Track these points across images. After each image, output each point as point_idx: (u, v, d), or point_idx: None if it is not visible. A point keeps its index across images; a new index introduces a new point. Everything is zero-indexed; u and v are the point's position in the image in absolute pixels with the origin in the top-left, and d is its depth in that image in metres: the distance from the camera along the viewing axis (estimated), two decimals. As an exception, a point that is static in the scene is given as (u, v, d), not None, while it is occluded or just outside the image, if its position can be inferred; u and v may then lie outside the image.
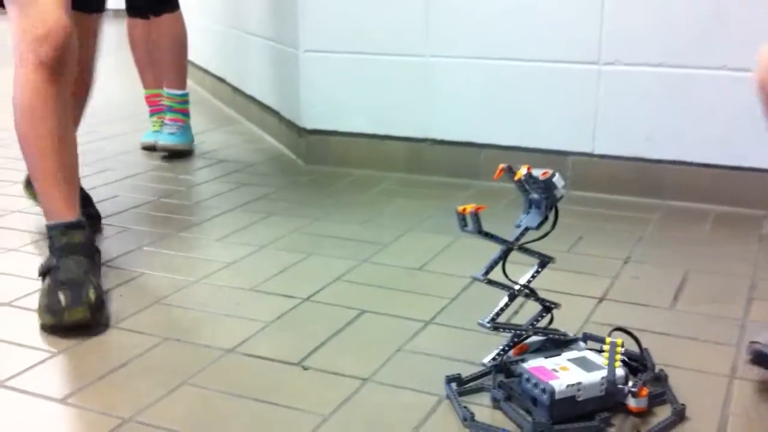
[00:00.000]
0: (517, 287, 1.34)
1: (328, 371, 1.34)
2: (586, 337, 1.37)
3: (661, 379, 1.27)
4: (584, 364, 1.22)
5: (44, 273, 1.57)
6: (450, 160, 2.53)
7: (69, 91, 1.63)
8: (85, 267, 1.54)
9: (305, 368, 1.35)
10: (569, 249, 1.92)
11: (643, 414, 1.19)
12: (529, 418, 1.17)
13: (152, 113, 3.03)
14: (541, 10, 2.31)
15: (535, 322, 1.35)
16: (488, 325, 1.30)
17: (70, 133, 1.67)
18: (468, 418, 1.19)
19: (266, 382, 1.31)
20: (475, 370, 1.31)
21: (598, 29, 2.24)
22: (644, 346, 1.33)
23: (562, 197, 1.28)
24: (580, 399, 1.17)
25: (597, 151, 2.33)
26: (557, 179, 1.26)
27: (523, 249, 1.34)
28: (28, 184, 2.06)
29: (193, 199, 2.36)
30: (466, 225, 1.30)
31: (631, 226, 2.08)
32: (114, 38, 5.13)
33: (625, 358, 1.29)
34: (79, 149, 1.70)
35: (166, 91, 2.93)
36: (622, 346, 1.21)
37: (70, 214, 1.61)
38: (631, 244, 1.94)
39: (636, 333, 1.35)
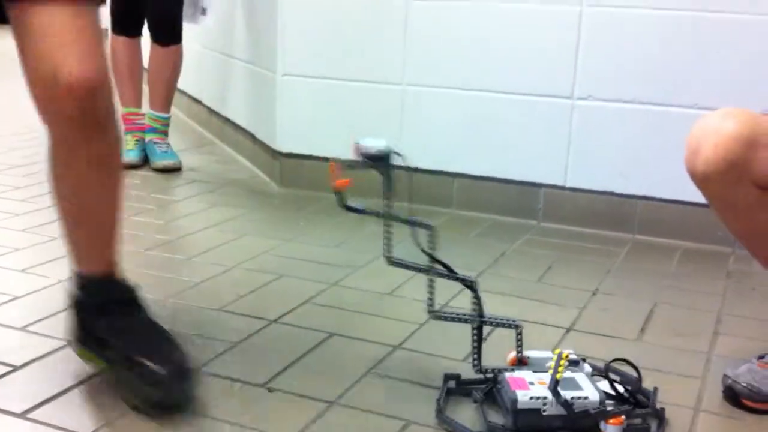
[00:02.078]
0: (427, 267, 1.35)
1: (295, 393, 1.33)
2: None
3: (660, 417, 1.27)
4: (568, 383, 1.23)
5: None
6: (422, 187, 2.53)
7: (110, 142, 1.29)
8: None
9: (271, 390, 1.34)
10: (538, 279, 1.93)
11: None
12: (494, 421, 1.20)
13: (128, 131, 3.02)
14: (518, 43, 2.34)
15: (475, 309, 1.35)
16: (431, 315, 1.33)
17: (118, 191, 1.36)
18: (437, 411, 1.24)
19: (232, 403, 1.29)
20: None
21: (572, 64, 2.28)
22: (656, 385, 1.34)
23: (392, 153, 1.32)
24: (545, 413, 1.18)
25: (569, 184, 2.35)
26: (366, 142, 1.30)
27: (396, 218, 1.38)
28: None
29: (164, 218, 2.34)
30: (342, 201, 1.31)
31: (601, 259, 2.10)
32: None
33: (618, 387, 1.29)
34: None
35: (151, 112, 3.04)
36: (567, 358, 1.22)
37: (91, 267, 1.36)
38: (599, 276, 1.96)
39: (601, 364, 1.35)
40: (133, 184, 2.71)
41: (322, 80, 2.59)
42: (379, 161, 1.30)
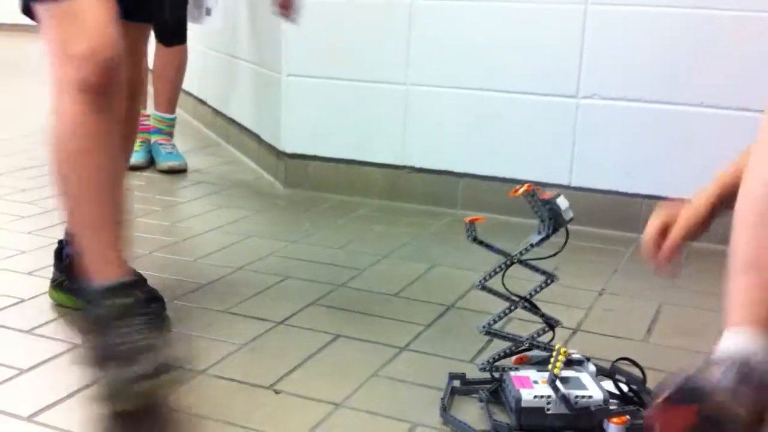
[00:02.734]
0: (516, 299, 1.34)
1: (301, 395, 1.33)
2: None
3: None
4: (572, 383, 1.23)
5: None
6: (428, 188, 2.54)
7: (119, 121, 1.31)
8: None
9: (277, 392, 1.34)
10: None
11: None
12: (499, 420, 1.21)
13: (131, 132, 3.03)
14: (522, 42, 2.33)
15: (536, 336, 1.36)
16: (482, 330, 1.32)
17: (121, 174, 1.35)
18: (441, 409, 1.25)
19: (238, 405, 1.29)
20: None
21: (577, 63, 2.27)
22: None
23: (571, 219, 1.30)
24: (549, 412, 1.19)
25: (574, 183, 2.35)
26: (561, 201, 1.28)
27: (525, 264, 1.34)
28: (58, 285, 1.66)
29: (169, 220, 2.34)
30: (469, 235, 1.32)
31: (606, 259, 2.09)
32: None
33: (623, 387, 1.29)
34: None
35: (156, 113, 3.04)
36: (565, 354, 1.23)
37: (123, 271, 1.28)
38: (606, 276, 1.95)
39: (607, 365, 1.35)
40: (138, 186, 2.71)
41: (327, 81, 2.59)
42: (558, 218, 1.30)
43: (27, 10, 1.33)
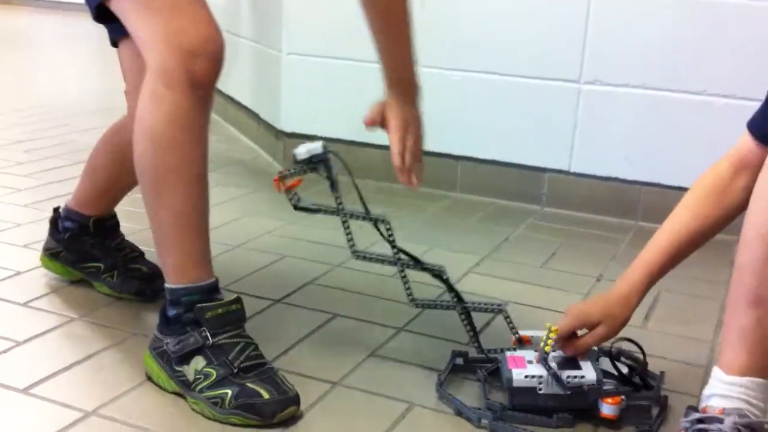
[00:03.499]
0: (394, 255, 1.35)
1: (298, 373, 1.32)
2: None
3: (662, 404, 1.27)
4: (567, 363, 1.23)
5: (189, 354, 1.22)
6: (426, 170, 2.52)
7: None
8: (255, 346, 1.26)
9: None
10: (542, 264, 1.92)
11: (613, 422, 1.20)
12: (492, 399, 1.22)
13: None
14: (525, 26, 2.32)
15: (453, 296, 1.35)
16: (413, 304, 1.35)
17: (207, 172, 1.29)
18: (438, 384, 1.27)
19: (234, 382, 1.29)
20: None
21: (580, 48, 2.26)
22: (662, 370, 1.34)
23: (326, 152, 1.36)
24: (541, 392, 1.19)
25: (573, 169, 2.34)
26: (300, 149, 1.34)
27: (352, 214, 1.41)
28: (53, 255, 1.63)
29: (166, 196, 2.33)
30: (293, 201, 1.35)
31: (604, 245, 2.09)
32: (95, 32, 5.08)
33: (620, 368, 1.29)
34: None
35: None
36: (556, 332, 1.22)
37: (209, 273, 1.27)
38: (603, 262, 1.95)
39: (607, 346, 1.35)
40: (135, 162, 2.70)
41: (328, 60, 2.57)
42: (317, 163, 1.32)
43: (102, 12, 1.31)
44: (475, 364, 1.34)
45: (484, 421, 1.19)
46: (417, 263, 1.35)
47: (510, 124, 2.39)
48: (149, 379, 1.28)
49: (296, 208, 1.31)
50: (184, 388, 1.22)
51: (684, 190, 1.32)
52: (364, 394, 1.28)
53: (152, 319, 1.49)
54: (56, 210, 1.64)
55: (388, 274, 1.80)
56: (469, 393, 1.29)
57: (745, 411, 1.07)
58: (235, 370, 1.19)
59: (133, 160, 1.24)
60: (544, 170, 2.38)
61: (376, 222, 1.34)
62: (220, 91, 3.50)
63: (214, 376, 1.19)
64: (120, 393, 1.23)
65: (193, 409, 1.20)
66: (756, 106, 1.23)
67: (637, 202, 2.29)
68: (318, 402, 1.24)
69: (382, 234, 1.33)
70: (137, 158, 1.24)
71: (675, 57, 2.18)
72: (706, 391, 1.12)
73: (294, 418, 1.19)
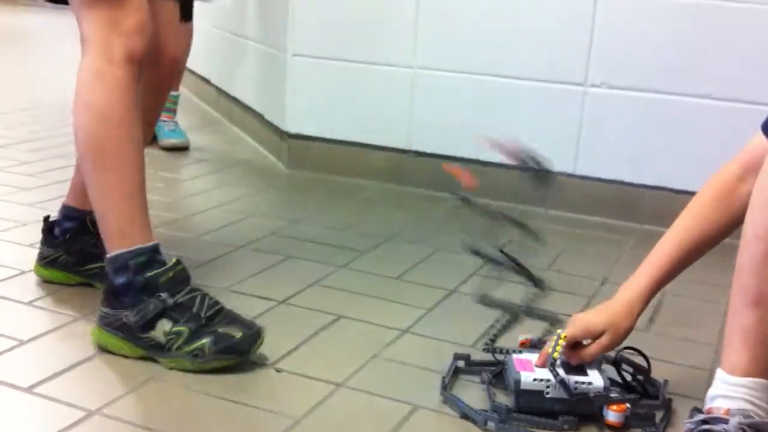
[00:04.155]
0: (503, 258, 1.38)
1: (302, 375, 1.32)
2: None
3: (667, 408, 1.27)
4: (575, 369, 1.23)
5: (156, 316, 1.31)
6: (431, 172, 2.52)
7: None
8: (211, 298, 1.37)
9: (278, 371, 1.33)
10: (548, 267, 1.92)
11: (618, 429, 1.20)
12: (499, 402, 1.21)
13: (134, 108, 3.02)
14: (531, 28, 2.32)
15: (528, 302, 1.37)
16: (477, 299, 1.37)
17: (143, 143, 1.43)
18: (442, 387, 1.27)
19: (238, 382, 1.29)
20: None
21: (586, 51, 2.26)
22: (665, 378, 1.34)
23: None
24: (548, 396, 1.19)
25: (578, 172, 2.34)
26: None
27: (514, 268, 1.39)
28: (50, 263, 1.62)
29: (171, 197, 2.33)
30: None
31: (609, 248, 2.09)
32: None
33: (625, 376, 1.29)
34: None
35: None
36: (565, 339, 1.22)
37: (151, 237, 1.36)
38: (608, 265, 1.95)
39: (611, 354, 1.35)
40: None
41: (333, 61, 2.57)
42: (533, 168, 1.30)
43: None
44: (478, 367, 1.34)
45: (490, 424, 1.19)
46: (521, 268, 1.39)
47: (515, 126, 2.39)
48: (106, 351, 1.34)
49: (473, 251, 1.38)
50: (155, 350, 1.31)
51: (689, 193, 1.32)
52: (368, 396, 1.27)
53: (156, 319, 1.49)
54: (47, 219, 1.64)
55: (392, 275, 1.80)
56: (473, 395, 1.28)
57: (750, 411, 1.07)
58: (203, 321, 1.31)
59: None
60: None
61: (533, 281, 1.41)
62: (225, 92, 3.51)
63: (186, 333, 1.29)
64: (124, 392, 1.23)
65: (170, 368, 1.29)
66: (761, 109, 1.22)
67: (642, 204, 2.28)
68: (322, 403, 1.24)
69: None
70: (78, 131, 1.37)
71: (680, 60, 2.18)
72: (710, 392, 1.11)
73: (295, 424, 1.19)
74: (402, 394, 1.28)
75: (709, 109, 2.17)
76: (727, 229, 1.24)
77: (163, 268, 1.33)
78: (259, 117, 3.01)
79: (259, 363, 1.35)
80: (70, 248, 1.60)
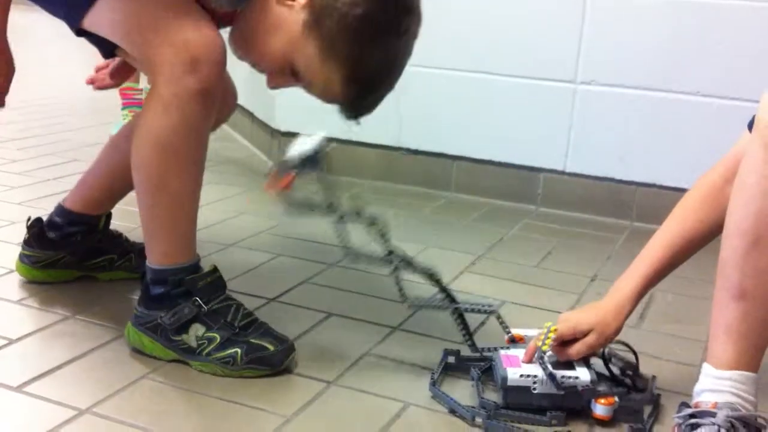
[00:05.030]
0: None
1: (293, 373, 1.32)
2: None
3: (655, 403, 1.27)
4: (562, 363, 1.24)
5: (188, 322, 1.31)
6: (422, 170, 2.53)
7: None
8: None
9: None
10: (537, 264, 1.92)
11: (606, 423, 1.20)
12: (487, 398, 1.22)
13: (125, 106, 2.99)
14: (521, 25, 2.32)
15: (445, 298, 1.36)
16: (408, 306, 1.35)
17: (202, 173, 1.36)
18: (431, 383, 1.27)
19: (228, 381, 1.29)
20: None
21: (576, 48, 2.26)
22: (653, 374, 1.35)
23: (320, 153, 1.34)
24: (535, 391, 1.20)
25: (569, 169, 2.35)
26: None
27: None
28: (49, 265, 1.60)
29: (161, 195, 2.33)
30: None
31: (599, 245, 2.09)
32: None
33: (613, 369, 1.30)
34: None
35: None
36: (555, 332, 1.23)
37: (194, 253, 1.36)
38: (598, 262, 1.96)
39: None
40: (130, 160, 2.69)
41: (323, 59, 2.57)
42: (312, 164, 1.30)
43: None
44: (468, 363, 1.34)
45: (478, 420, 1.19)
46: (409, 264, 1.34)
47: (506, 123, 2.40)
48: (139, 352, 1.34)
49: (289, 208, 1.29)
50: (187, 354, 1.31)
51: (678, 190, 1.33)
52: (359, 394, 1.27)
53: (146, 317, 1.49)
54: (36, 223, 1.60)
55: (382, 273, 1.79)
56: (463, 392, 1.28)
57: (737, 404, 1.07)
58: (236, 330, 1.31)
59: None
60: (539, 170, 2.39)
61: (371, 222, 1.34)
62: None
63: (218, 339, 1.29)
64: (114, 391, 1.23)
65: (200, 371, 1.30)
66: (749, 106, 1.23)
67: (632, 202, 2.29)
68: (313, 401, 1.24)
69: (375, 234, 1.33)
70: (138, 160, 1.29)
71: (670, 58, 2.18)
72: (697, 387, 1.12)
73: (286, 422, 1.19)
74: (393, 392, 1.28)
75: (698, 106, 2.18)
76: (715, 228, 1.24)
77: (201, 274, 1.33)
78: (249, 115, 3.00)
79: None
80: (77, 249, 1.59)
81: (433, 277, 1.35)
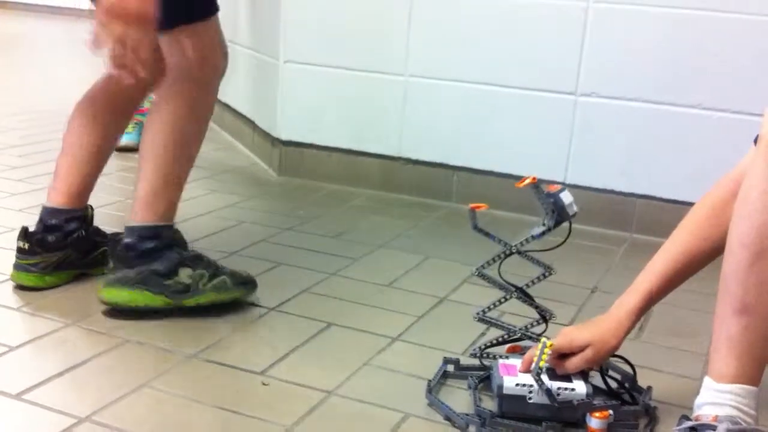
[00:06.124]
0: (512, 288, 1.35)
1: (293, 382, 1.32)
2: None
3: (651, 416, 1.27)
4: (559, 376, 1.24)
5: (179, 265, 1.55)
6: (423, 180, 2.53)
7: None
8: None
9: (265, 384, 1.32)
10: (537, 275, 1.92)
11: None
12: (482, 406, 1.22)
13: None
14: (523, 37, 2.33)
15: (528, 327, 1.36)
16: (477, 316, 1.34)
17: None
18: (428, 390, 1.27)
19: (229, 390, 1.29)
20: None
21: (577, 60, 2.27)
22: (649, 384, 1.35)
23: (575, 214, 1.28)
24: (531, 401, 1.20)
25: (569, 181, 2.35)
26: (565, 195, 1.27)
27: (523, 255, 1.35)
28: (56, 268, 1.64)
29: (161, 203, 2.32)
30: (471, 221, 1.33)
31: (599, 256, 2.09)
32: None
33: (611, 381, 1.30)
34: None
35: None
36: (551, 347, 1.23)
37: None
38: (598, 273, 1.96)
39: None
40: (130, 168, 2.69)
41: (325, 68, 2.58)
42: (561, 212, 1.29)
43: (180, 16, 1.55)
44: (466, 372, 1.34)
45: (472, 428, 1.19)
46: (531, 302, 1.37)
47: (506, 135, 2.40)
48: (116, 311, 1.51)
49: (476, 228, 1.36)
50: (179, 294, 1.52)
51: (679, 203, 1.33)
52: (358, 404, 1.27)
53: (147, 325, 1.49)
54: (36, 231, 1.63)
55: (383, 283, 1.80)
56: (461, 401, 1.28)
57: (737, 418, 1.07)
58: (216, 267, 1.57)
59: (103, 122, 1.70)
60: (540, 181, 2.38)
61: (545, 271, 1.38)
62: (217, 99, 3.50)
63: (207, 275, 1.54)
64: (114, 399, 1.23)
65: (190, 306, 1.52)
66: (751, 120, 1.23)
67: (632, 214, 2.29)
68: (312, 411, 1.24)
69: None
70: (175, 123, 1.59)
71: (671, 70, 2.19)
72: (698, 400, 1.12)
73: None
74: (393, 402, 1.28)
75: (699, 118, 2.18)
76: (720, 246, 1.24)
77: (175, 229, 1.60)
78: (251, 124, 3.01)
79: (250, 370, 1.35)
80: (80, 245, 1.65)
81: (544, 317, 1.36)
